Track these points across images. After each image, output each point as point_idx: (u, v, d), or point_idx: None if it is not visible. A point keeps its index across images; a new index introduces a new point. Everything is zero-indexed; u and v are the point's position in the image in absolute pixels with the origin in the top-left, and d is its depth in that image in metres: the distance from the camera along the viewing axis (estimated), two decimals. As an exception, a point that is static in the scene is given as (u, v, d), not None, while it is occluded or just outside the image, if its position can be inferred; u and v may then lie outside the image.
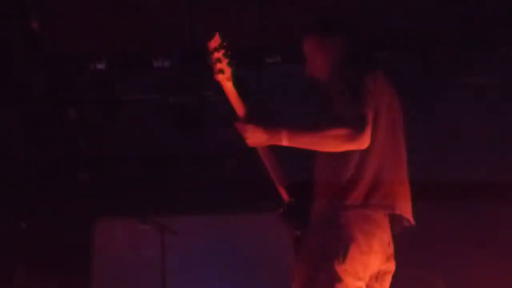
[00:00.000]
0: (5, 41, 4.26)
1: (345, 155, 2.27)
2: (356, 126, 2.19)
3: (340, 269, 2.18)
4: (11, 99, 4.74)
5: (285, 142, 2.25)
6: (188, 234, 4.91)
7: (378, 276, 2.34)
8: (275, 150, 2.41)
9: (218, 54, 2.30)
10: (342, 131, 2.18)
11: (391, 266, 2.38)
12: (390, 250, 2.37)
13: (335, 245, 2.22)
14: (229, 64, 2.32)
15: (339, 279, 2.18)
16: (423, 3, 4.33)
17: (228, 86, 2.36)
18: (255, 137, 2.29)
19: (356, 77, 2.30)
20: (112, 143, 5.15)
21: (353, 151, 2.26)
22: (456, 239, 4.54)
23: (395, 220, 2.35)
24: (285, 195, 2.43)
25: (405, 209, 2.36)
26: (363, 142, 2.21)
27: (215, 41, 2.30)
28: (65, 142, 5.15)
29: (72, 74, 4.76)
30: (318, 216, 2.33)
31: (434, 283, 4.51)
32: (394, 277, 2.39)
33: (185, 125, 4.81)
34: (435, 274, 4.52)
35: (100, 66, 4.63)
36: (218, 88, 2.41)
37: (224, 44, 2.30)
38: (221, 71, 2.31)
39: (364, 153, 2.27)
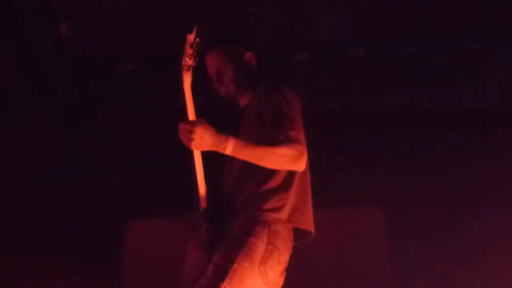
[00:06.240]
0: (35, 46, 4.27)
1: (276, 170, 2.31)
2: (301, 149, 2.20)
3: (258, 270, 2.20)
4: (42, 102, 4.76)
5: (229, 151, 2.14)
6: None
7: None
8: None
9: (191, 50, 2.24)
10: (289, 151, 2.17)
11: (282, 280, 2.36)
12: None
13: (261, 248, 2.22)
14: (196, 62, 2.27)
15: (252, 277, 2.18)
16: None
17: (188, 84, 2.28)
18: (202, 140, 2.12)
19: (289, 97, 2.32)
20: (142, 142, 5.15)
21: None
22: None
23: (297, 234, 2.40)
24: (203, 202, 2.36)
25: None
26: (303, 165, 2.25)
27: (192, 36, 2.22)
28: (96, 143, 5.17)
29: (101, 75, 4.75)
30: (246, 216, 2.31)
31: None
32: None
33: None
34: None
35: (129, 66, 4.64)
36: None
37: (197, 41, 2.23)
38: (189, 67, 2.26)
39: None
